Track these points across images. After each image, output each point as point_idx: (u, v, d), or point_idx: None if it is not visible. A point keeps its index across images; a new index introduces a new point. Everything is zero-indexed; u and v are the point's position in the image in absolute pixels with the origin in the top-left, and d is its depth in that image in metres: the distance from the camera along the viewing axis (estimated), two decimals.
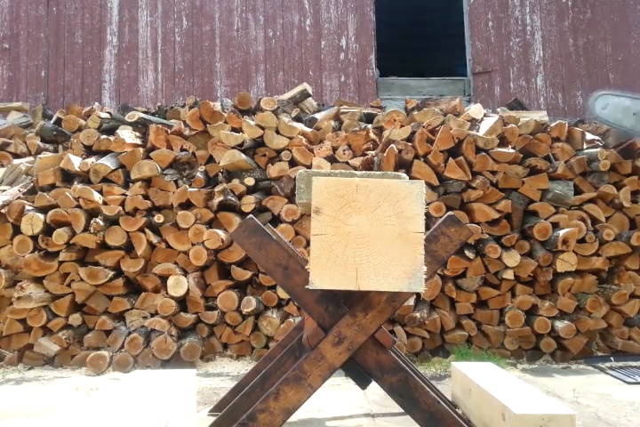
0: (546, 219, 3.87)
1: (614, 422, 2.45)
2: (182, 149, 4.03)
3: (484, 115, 4.37)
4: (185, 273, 3.77)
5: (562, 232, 3.78)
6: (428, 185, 3.83)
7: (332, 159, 4.04)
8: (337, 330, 1.60)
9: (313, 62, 6.14)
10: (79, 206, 3.76)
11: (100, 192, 3.83)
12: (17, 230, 3.74)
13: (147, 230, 3.75)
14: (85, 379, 3.35)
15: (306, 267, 1.51)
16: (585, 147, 4.12)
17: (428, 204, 3.78)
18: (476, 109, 4.30)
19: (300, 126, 4.24)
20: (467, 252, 3.76)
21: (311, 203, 1.47)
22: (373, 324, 1.62)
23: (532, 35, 6.26)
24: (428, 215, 3.72)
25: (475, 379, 2.34)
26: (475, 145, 3.91)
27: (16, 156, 4.54)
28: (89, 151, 4.15)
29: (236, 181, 3.95)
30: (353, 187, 1.47)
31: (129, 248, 3.78)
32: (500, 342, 3.80)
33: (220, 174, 3.95)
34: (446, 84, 6.41)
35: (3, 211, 3.76)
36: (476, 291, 3.82)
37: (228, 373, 3.52)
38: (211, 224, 3.86)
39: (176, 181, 3.91)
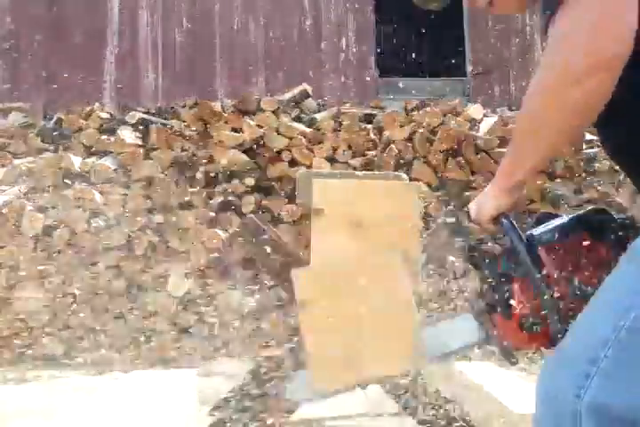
0: None
1: None
2: (182, 150, 4.03)
3: (484, 115, 4.37)
4: (185, 273, 3.78)
5: None
6: (428, 185, 3.83)
7: (332, 159, 4.05)
8: None
9: (313, 62, 6.15)
10: (79, 206, 3.77)
11: (101, 192, 3.84)
12: (18, 230, 3.74)
13: (147, 230, 3.76)
14: (86, 379, 3.35)
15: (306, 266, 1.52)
16: (584, 147, 4.12)
17: (427, 203, 3.78)
18: (475, 110, 4.31)
19: (300, 126, 4.24)
20: None
21: (311, 203, 1.48)
22: None
23: (531, 35, 6.26)
24: (427, 215, 3.72)
25: (475, 378, 2.34)
26: (474, 145, 3.91)
27: (16, 156, 4.54)
28: (89, 151, 4.15)
29: (236, 182, 3.95)
30: (352, 187, 1.48)
31: (129, 248, 3.79)
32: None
33: (220, 174, 3.96)
34: (446, 85, 6.41)
35: (3, 211, 3.77)
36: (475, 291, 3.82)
37: (228, 373, 3.51)
38: (211, 224, 3.86)
39: (176, 182, 3.91)
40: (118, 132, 4.16)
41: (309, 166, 3.97)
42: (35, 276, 3.69)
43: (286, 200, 3.89)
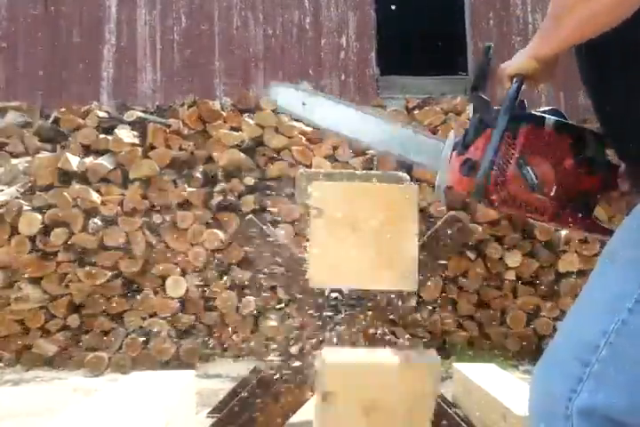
0: None
1: None
2: (181, 149, 4.02)
3: None
4: (184, 274, 3.76)
5: (564, 232, 3.76)
6: (430, 185, 3.80)
7: (332, 159, 4.03)
8: (337, 330, 1.59)
9: (313, 61, 6.13)
10: (77, 206, 3.75)
11: (99, 192, 3.82)
12: (15, 230, 3.72)
13: (145, 231, 3.74)
14: (84, 380, 3.34)
15: (305, 267, 1.52)
16: None
17: (429, 204, 3.76)
18: None
19: (300, 126, 4.23)
20: (468, 252, 3.74)
21: (310, 204, 1.49)
22: (373, 324, 1.61)
23: (533, 34, 6.24)
24: (429, 215, 3.70)
25: (476, 380, 2.33)
26: None
27: (14, 155, 4.52)
28: (87, 151, 4.13)
29: (235, 181, 3.93)
30: (351, 189, 1.51)
31: (127, 249, 3.77)
32: (502, 343, 3.78)
33: (220, 174, 3.94)
34: (447, 83, 6.39)
35: (0, 211, 3.75)
36: (477, 292, 3.80)
37: (227, 374, 3.50)
38: (210, 224, 3.84)
39: (175, 181, 3.90)
40: (116, 131, 4.14)
41: (309, 166, 3.96)
42: (32, 276, 3.67)
43: (286, 200, 3.87)
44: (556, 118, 1.08)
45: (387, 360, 1.40)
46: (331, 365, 1.36)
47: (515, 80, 1.04)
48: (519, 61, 1.05)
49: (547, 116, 1.08)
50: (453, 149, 1.18)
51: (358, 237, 1.46)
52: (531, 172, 1.02)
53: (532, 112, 1.08)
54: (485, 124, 1.08)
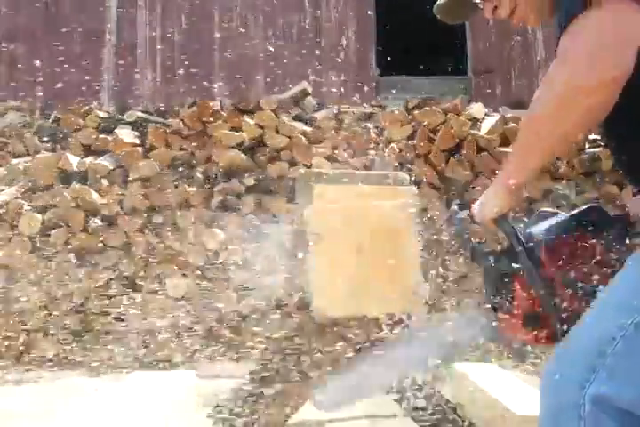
0: None
1: None
2: (181, 149, 4.02)
3: (486, 114, 4.35)
4: (184, 273, 3.76)
5: None
6: (429, 185, 3.81)
7: (332, 159, 4.03)
8: (338, 330, 1.59)
9: (313, 61, 6.13)
10: (77, 206, 3.76)
11: (99, 192, 3.82)
12: (15, 230, 3.73)
13: (145, 231, 3.74)
14: (85, 380, 3.34)
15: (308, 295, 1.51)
16: (587, 146, 4.10)
17: (429, 204, 3.76)
18: (477, 109, 4.29)
19: (300, 126, 4.23)
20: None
21: (311, 204, 1.49)
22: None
23: (533, 34, 6.24)
24: (430, 217, 3.70)
25: (476, 380, 2.33)
26: (476, 145, 3.89)
27: (14, 155, 4.52)
28: (87, 151, 4.14)
29: (235, 181, 3.94)
30: (351, 192, 1.50)
31: (127, 249, 3.77)
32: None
33: (219, 174, 3.95)
34: (447, 84, 6.39)
35: (1, 211, 3.75)
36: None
37: (228, 374, 3.50)
38: (210, 224, 3.84)
39: (175, 181, 3.90)
40: (116, 131, 4.15)
41: (309, 166, 3.95)
42: (32, 276, 3.68)
43: (286, 200, 3.87)
44: (555, 223, 1.06)
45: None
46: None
47: (501, 222, 1.03)
48: (494, 200, 1.03)
49: (546, 226, 1.05)
50: (495, 310, 1.14)
51: (361, 263, 1.44)
52: (584, 285, 1.00)
53: (532, 233, 1.06)
54: (509, 275, 1.06)
